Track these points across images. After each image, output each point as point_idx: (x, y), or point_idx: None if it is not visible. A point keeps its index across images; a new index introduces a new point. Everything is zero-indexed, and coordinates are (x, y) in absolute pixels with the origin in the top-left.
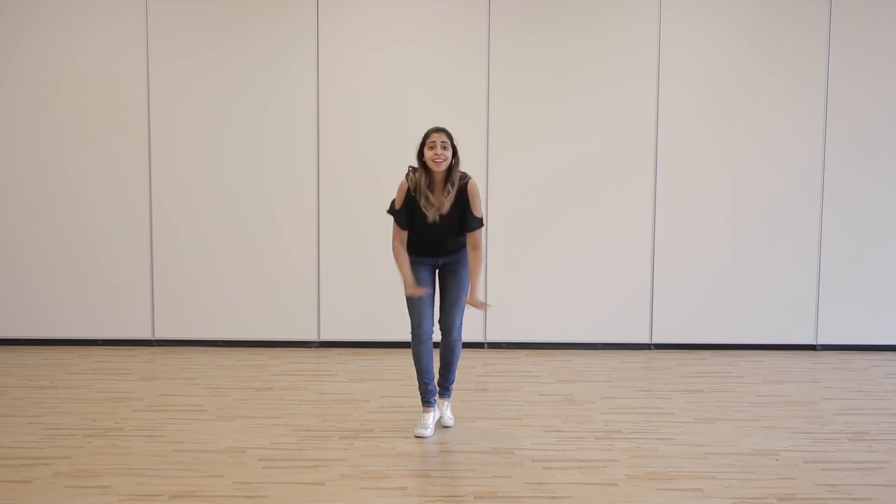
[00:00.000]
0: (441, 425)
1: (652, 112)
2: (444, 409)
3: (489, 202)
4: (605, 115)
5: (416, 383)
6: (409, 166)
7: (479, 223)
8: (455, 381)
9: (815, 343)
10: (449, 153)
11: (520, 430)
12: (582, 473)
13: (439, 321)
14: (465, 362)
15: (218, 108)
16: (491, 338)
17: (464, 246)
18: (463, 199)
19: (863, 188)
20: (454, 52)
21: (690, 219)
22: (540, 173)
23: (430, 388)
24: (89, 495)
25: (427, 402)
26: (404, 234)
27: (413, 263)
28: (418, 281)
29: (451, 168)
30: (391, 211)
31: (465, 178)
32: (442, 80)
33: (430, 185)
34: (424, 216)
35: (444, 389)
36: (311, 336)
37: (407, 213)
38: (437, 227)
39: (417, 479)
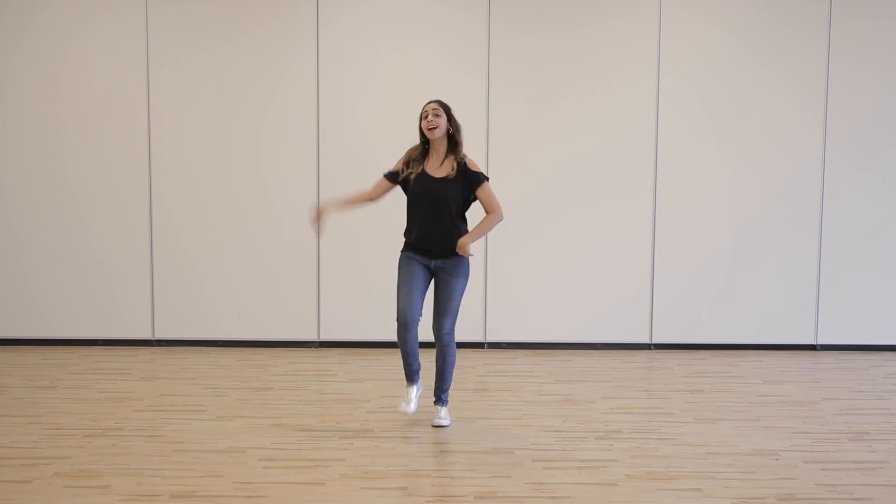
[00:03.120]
0: (436, 426)
1: (652, 111)
2: (438, 411)
3: None
4: (606, 115)
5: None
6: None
7: (483, 176)
8: (450, 388)
9: (815, 343)
10: (442, 120)
11: (520, 430)
12: (582, 473)
13: (432, 327)
14: (465, 362)
15: (218, 107)
16: (491, 338)
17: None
18: (466, 177)
19: (863, 187)
20: (454, 51)
21: (691, 218)
22: (540, 172)
23: (413, 367)
24: (89, 495)
25: (410, 378)
26: (378, 191)
27: (407, 258)
28: (410, 273)
29: (451, 137)
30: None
31: (464, 156)
32: (442, 80)
33: (428, 155)
34: (418, 195)
35: (438, 399)
36: (311, 336)
37: (402, 178)
38: (436, 207)
39: (417, 479)
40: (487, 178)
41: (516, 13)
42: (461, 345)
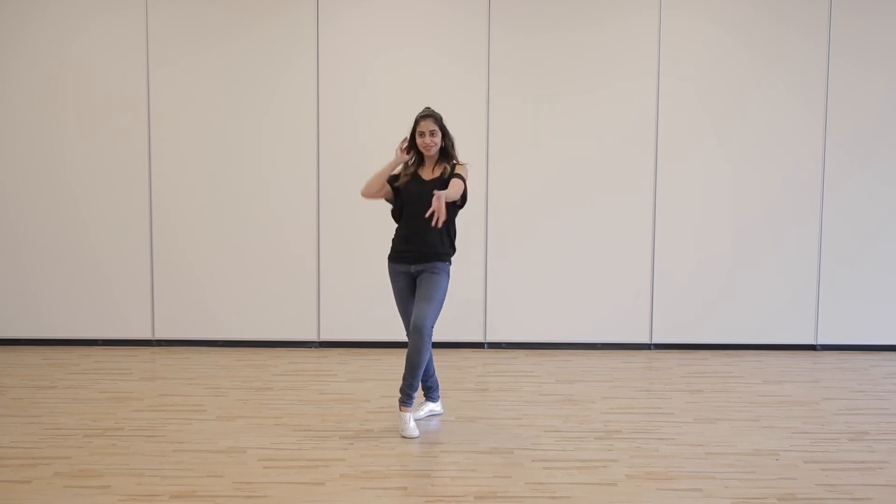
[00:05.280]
0: (406, 436)
1: (652, 111)
2: (414, 414)
3: (489, 202)
4: (606, 115)
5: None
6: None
7: (459, 174)
8: (417, 389)
9: (815, 343)
10: (438, 139)
11: (520, 430)
12: (582, 473)
13: (412, 320)
14: (465, 362)
15: (218, 107)
16: (491, 338)
17: (443, 251)
18: (451, 176)
19: (863, 187)
20: (454, 51)
21: (691, 218)
22: (540, 173)
23: (428, 384)
24: (89, 495)
25: (429, 397)
26: (383, 190)
27: (393, 274)
28: (400, 292)
29: (444, 150)
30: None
31: (458, 163)
32: (442, 80)
33: (423, 164)
34: (410, 196)
35: (406, 396)
36: (311, 336)
37: (396, 183)
38: (424, 206)
39: (417, 479)
40: (464, 179)
41: (516, 13)
42: (461, 345)
